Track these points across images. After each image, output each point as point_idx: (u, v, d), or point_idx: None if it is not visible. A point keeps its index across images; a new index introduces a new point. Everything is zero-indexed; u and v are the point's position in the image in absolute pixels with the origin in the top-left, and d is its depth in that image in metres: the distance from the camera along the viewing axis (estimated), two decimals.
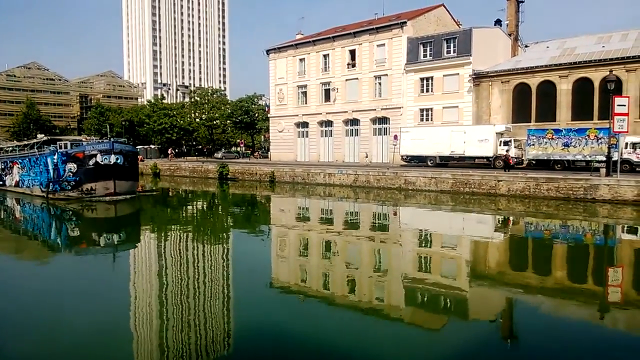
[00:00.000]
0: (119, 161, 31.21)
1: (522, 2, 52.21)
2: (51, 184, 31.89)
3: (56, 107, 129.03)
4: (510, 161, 36.11)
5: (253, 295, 12.44)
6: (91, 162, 30.72)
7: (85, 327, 10.07)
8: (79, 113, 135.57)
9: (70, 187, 31.39)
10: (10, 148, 44.83)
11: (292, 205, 33.10)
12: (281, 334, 9.71)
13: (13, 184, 38.80)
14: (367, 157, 54.20)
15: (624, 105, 28.90)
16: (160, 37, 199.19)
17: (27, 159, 36.35)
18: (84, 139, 37.95)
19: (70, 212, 28.11)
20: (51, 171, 31.95)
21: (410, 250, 18.34)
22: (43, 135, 75.13)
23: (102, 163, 30.69)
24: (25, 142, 42.18)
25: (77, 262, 16.97)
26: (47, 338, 9.67)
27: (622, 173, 29.42)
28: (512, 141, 39.91)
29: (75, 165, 30.89)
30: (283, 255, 17.78)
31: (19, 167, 37.75)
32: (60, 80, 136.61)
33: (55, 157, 31.54)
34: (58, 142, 34.16)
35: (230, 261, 17.16)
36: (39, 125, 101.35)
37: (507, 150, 37.69)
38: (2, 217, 29.58)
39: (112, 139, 33.11)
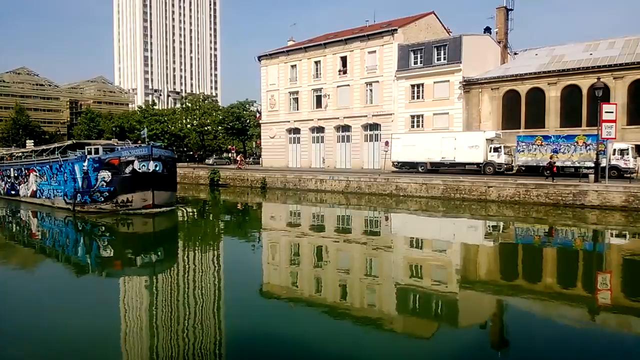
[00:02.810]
0: (157, 169, 27.24)
1: (511, 10, 52.91)
2: (79, 194, 28.02)
3: (46, 112, 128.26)
4: (555, 169, 33.40)
5: (247, 303, 12.43)
6: (127, 170, 26.73)
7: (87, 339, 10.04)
8: (69, 119, 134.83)
9: (102, 199, 27.43)
10: (25, 153, 40.27)
11: (285, 211, 33.10)
12: (273, 341, 9.72)
13: (29, 194, 34.55)
14: (324, 162, 55.85)
15: (612, 112, 29.24)
16: (151, 43, 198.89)
17: (47, 166, 32.04)
18: (115, 143, 33.18)
19: (103, 228, 24.70)
20: (79, 180, 28.00)
21: (402, 256, 18.41)
22: (32, 142, 74.74)
23: (140, 171, 26.74)
24: (45, 147, 37.61)
25: (109, 285, 15.15)
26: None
27: (610, 179, 29.73)
28: (502, 147, 40.24)
29: (109, 174, 26.91)
30: (276, 262, 17.76)
31: (36, 175, 33.57)
32: (50, 85, 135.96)
33: (85, 164, 27.56)
34: (86, 147, 29.86)
35: (234, 268, 17.19)
36: (28, 130, 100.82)
37: (550, 157, 35.23)
38: (17, 231, 26.06)
39: (150, 143, 29.22)
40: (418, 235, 23.46)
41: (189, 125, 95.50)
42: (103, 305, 12.37)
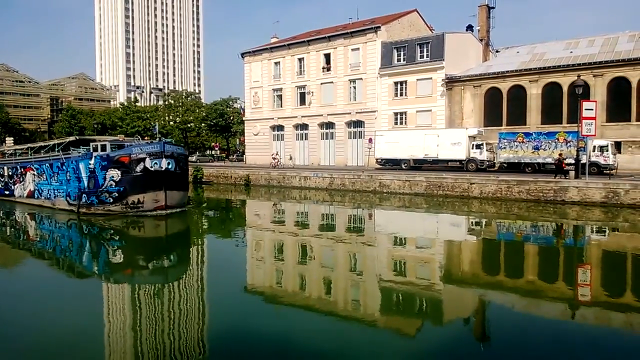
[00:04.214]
0: (170, 167, 25.20)
1: (493, 8, 53.27)
2: (85, 195, 25.97)
3: (26, 109, 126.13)
4: (564, 165, 31.96)
5: (229, 300, 12.41)
6: (139, 168, 24.64)
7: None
8: (49, 116, 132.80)
9: (111, 200, 25.29)
10: (20, 150, 37.46)
11: (273, 209, 33.03)
12: (257, 340, 9.70)
13: (25, 195, 32.19)
14: (291, 159, 56.61)
15: (592, 110, 29.64)
16: (133, 40, 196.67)
17: (46, 164, 29.63)
18: (122, 139, 30.41)
19: (112, 231, 22.80)
20: (85, 179, 25.90)
21: (386, 253, 18.49)
22: (12, 139, 73.36)
23: (153, 169, 24.71)
24: (42, 144, 35.06)
25: (113, 290, 14.23)
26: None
27: (590, 175, 30.15)
28: (484, 144, 40.61)
29: (119, 172, 24.77)
30: (260, 259, 17.73)
31: (34, 174, 31.10)
32: (30, 82, 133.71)
33: (92, 161, 25.44)
34: (91, 144, 27.42)
35: (213, 266, 17.11)
36: (7, 128, 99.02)
37: (559, 155, 33.49)
38: (13, 234, 23.88)
39: (162, 140, 26.97)
40: (402, 232, 23.54)
41: (171, 123, 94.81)
42: (94, 306, 12.23)
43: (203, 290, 13.74)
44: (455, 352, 9.22)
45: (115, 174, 24.85)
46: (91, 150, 26.41)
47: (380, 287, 13.56)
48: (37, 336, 10.01)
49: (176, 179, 26.18)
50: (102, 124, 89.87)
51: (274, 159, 54.54)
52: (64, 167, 27.82)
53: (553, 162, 34.20)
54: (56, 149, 30.06)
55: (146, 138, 37.34)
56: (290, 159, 56.70)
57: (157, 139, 27.66)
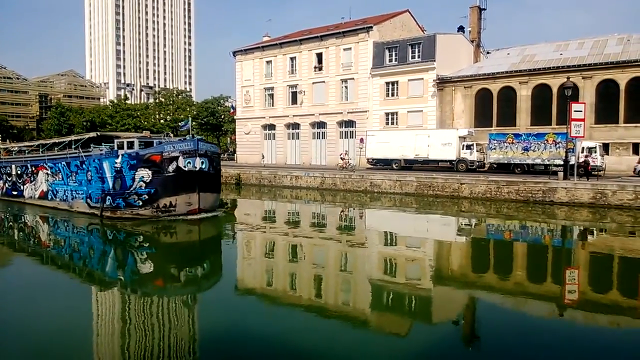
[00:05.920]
0: (204, 166, 23.19)
1: (484, 9, 53.52)
2: (109, 197, 23.78)
3: (14, 106, 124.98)
4: (590, 168, 31.21)
5: (220, 300, 12.45)
6: (171, 168, 22.57)
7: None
8: (38, 113, 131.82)
9: (141, 203, 23.05)
10: (30, 148, 34.92)
11: (272, 209, 33.03)
12: (248, 340, 9.75)
13: (37, 195, 29.86)
14: (263, 158, 57.65)
15: (581, 111, 29.92)
16: (124, 37, 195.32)
17: (62, 163, 27.28)
18: (148, 136, 27.47)
19: (142, 237, 20.91)
20: (109, 180, 23.64)
21: (376, 253, 18.60)
22: None
23: (186, 169, 22.73)
24: (57, 140, 32.24)
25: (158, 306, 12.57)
26: None
27: (578, 177, 30.46)
28: (474, 145, 40.85)
29: (149, 173, 22.57)
30: (250, 259, 17.76)
31: (47, 173, 28.78)
32: (18, 79, 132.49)
33: (118, 160, 23.18)
34: (116, 140, 25.31)
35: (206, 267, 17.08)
36: None
37: (585, 156, 32.67)
38: (25, 240, 21.86)
39: (195, 137, 24.50)
40: (392, 232, 23.68)
41: (162, 121, 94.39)
42: (101, 310, 12.21)
43: (220, 298, 13.61)
44: (446, 351, 9.34)
45: (145, 174, 22.69)
46: (116, 148, 24.45)
47: (370, 287, 13.66)
48: (40, 339, 10.01)
49: (210, 180, 24.37)
50: (91, 122, 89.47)
51: (342, 159, 46.17)
52: (83, 166, 25.55)
53: (580, 162, 32.18)
54: (73, 146, 27.64)
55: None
56: (263, 157, 57.36)
57: (191, 136, 24.71)
